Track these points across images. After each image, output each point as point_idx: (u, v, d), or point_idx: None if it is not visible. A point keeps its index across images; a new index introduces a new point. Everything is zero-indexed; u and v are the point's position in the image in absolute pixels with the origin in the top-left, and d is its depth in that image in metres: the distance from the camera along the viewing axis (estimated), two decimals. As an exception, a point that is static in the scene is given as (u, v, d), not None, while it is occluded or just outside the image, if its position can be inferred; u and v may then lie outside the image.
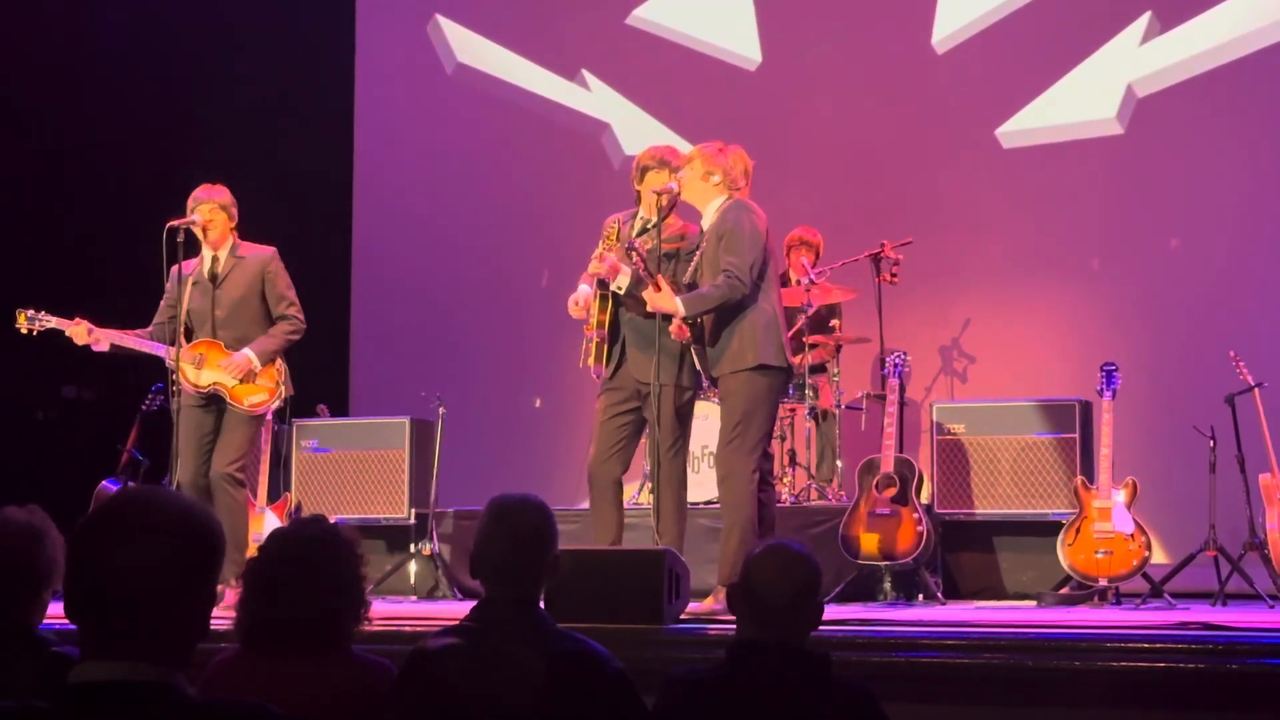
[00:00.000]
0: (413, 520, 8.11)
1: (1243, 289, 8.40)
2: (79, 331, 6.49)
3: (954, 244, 8.88)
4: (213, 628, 2.14)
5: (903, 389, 7.41)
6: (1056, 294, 8.82)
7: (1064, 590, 6.72)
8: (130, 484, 7.70)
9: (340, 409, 9.50)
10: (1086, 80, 8.81)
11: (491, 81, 10.08)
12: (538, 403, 9.68)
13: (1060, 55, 8.89)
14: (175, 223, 6.44)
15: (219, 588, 2.18)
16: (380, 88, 10.42)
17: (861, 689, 3.13)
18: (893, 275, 8.03)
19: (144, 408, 8.23)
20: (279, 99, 9.97)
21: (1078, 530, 6.54)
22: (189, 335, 6.54)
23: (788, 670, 3.07)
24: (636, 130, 9.36)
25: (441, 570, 7.73)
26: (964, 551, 7.44)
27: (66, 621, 2.07)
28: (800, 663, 3.09)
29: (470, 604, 3.27)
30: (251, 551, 5.03)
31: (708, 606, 5.64)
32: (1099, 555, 6.45)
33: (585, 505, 6.54)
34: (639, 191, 6.15)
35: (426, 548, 7.77)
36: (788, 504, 7.49)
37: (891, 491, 6.93)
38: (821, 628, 3.30)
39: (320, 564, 3.04)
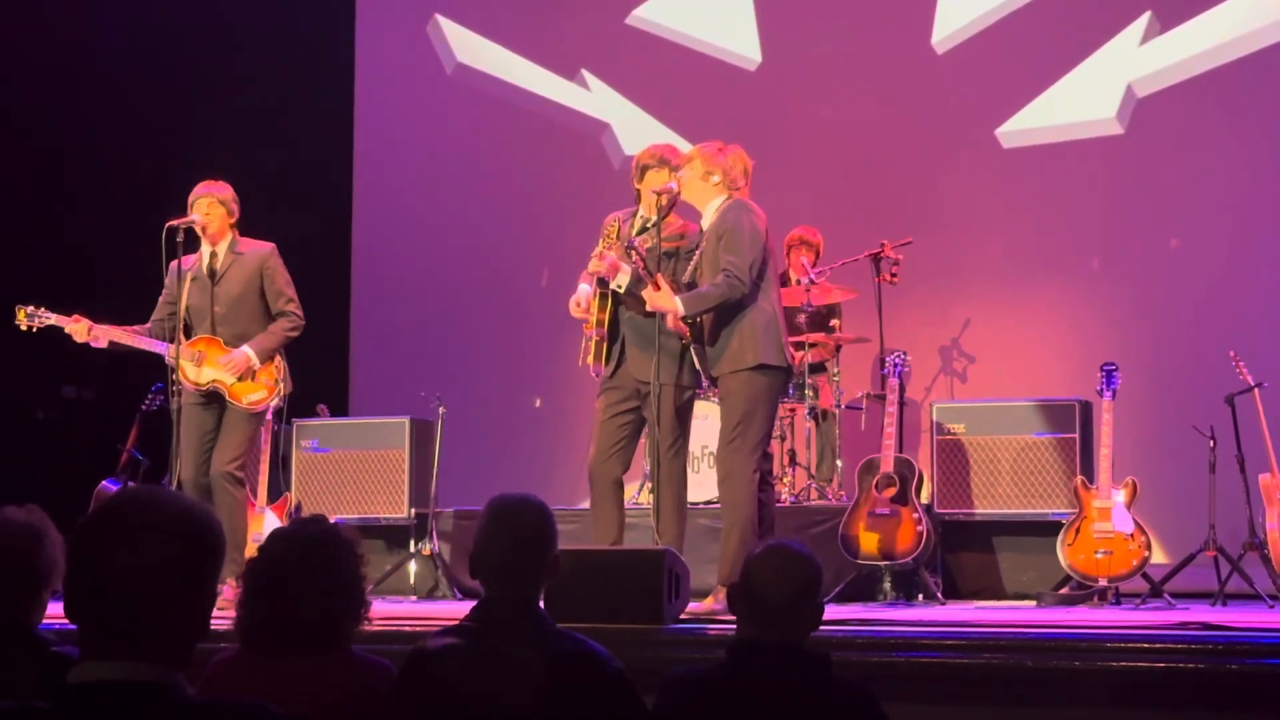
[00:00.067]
0: (413, 520, 8.11)
1: (1243, 289, 8.40)
2: (78, 329, 6.49)
3: (954, 244, 8.88)
4: (213, 628, 2.14)
5: (903, 389, 7.41)
6: (1056, 294, 8.82)
7: (1064, 590, 6.72)
8: (130, 484, 7.70)
9: (340, 409, 9.50)
10: (1086, 80, 8.81)
11: (491, 81, 10.08)
12: (537, 402, 9.68)
13: (1060, 55, 8.89)
14: (175, 222, 6.44)
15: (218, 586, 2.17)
16: (380, 88, 10.42)
17: (861, 689, 3.13)
18: (893, 275, 8.03)
19: (144, 407, 8.23)
20: (279, 99, 9.97)
21: (1077, 530, 6.54)
22: (188, 332, 6.53)
23: (788, 670, 3.07)
24: (636, 130, 9.36)
25: (441, 570, 7.72)
26: (964, 551, 7.44)
27: (66, 621, 2.07)
28: (800, 663, 3.09)
29: (470, 604, 3.27)
30: (251, 551, 5.03)
31: (708, 606, 5.64)
32: (1099, 555, 6.45)
33: (585, 505, 6.54)
34: (639, 190, 6.15)
35: (426, 547, 7.77)
36: (788, 504, 7.49)
37: (891, 491, 6.93)
38: (821, 628, 3.30)
39: (320, 564, 3.04)
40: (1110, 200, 8.78)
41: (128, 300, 6.99)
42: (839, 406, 7.98)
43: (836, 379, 8.09)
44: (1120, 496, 6.53)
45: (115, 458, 8.25)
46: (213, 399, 6.49)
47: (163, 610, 2.02)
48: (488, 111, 10.06)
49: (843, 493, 7.75)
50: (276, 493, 7.86)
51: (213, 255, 6.56)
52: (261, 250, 6.60)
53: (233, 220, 6.57)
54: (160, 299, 6.64)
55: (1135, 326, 8.52)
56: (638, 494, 7.72)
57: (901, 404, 7.32)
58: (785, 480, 7.77)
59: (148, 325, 6.62)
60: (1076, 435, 7.27)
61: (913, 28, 9.18)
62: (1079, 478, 6.80)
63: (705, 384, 6.14)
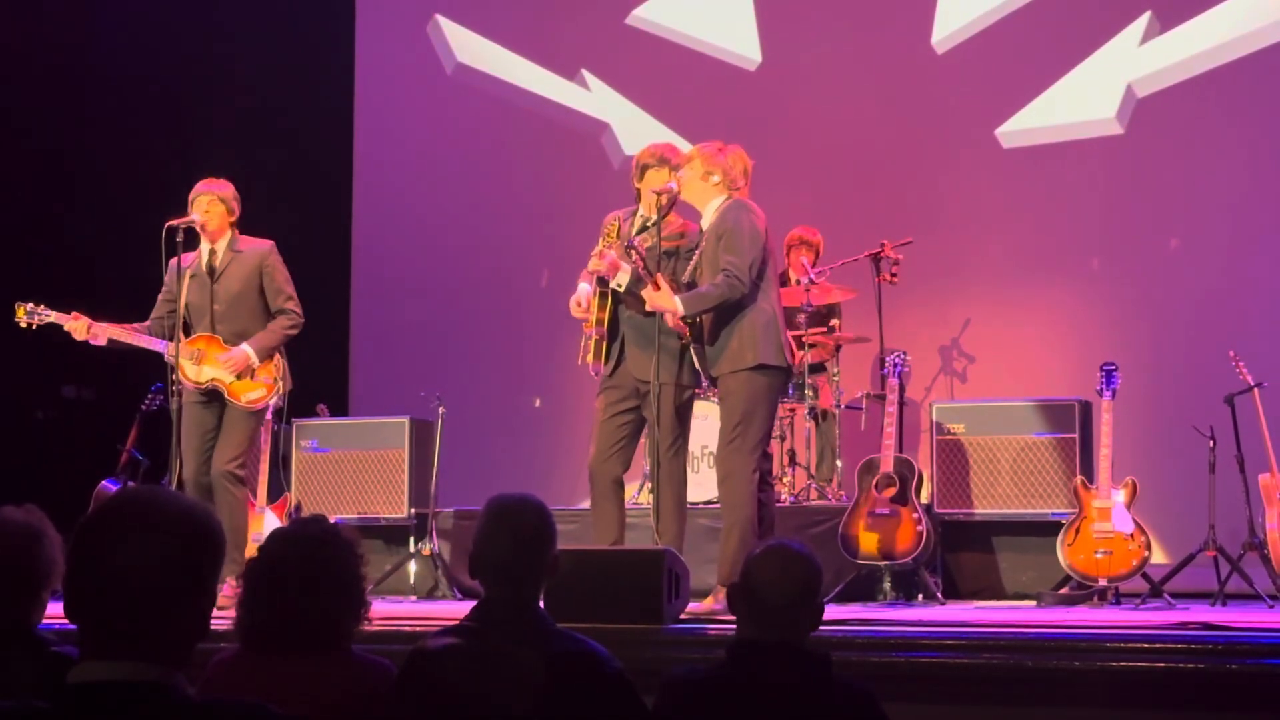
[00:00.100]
0: (412, 520, 8.12)
1: (1243, 289, 8.40)
2: (78, 326, 6.48)
3: (954, 244, 8.88)
4: (213, 628, 2.14)
5: (902, 389, 7.41)
6: (1056, 294, 8.82)
7: (1063, 590, 6.72)
8: (130, 484, 7.70)
9: (340, 409, 9.50)
10: (1086, 80, 8.81)
11: (491, 81, 10.08)
12: (537, 402, 9.68)
13: (1060, 55, 8.89)
14: (175, 222, 6.43)
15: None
16: (380, 88, 10.42)
17: (861, 689, 3.13)
18: (893, 275, 8.03)
19: (143, 407, 8.23)
20: (279, 99, 9.97)
21: (1077, 530, 6.54)
22: (187, 330, 6.52)
23: (788, 670, 3.07)
24: (636, 130, 9.36)
25: (441, 570, 7.72)
26: (963, 551, 7.45)
27: (66, 621, 2.07)
28: (800, 663, 3.09)
29: (470, 604, 3.27)
30: (251, 551, 5.03)
31: (708, 606, 5.64)
32: (1098, 555, 6.45)
33: (585, 505, 6.54)
34: (639, 189, 6.15)
35: (426, 547, 7.76)
36: (788, 504, 7.49)
37: (891, 491, 6.93)
38: (821, 628, 3.30)
39: (320, 564, 3.04)
40: (1110, 200, 8.78)
41: (128, 300, 6.99)
42: (839, 406, 7.98)
43: (836, 379, 8.09)
44: (1120, 496, 6.53)
45: (115, 458, 8.25)
46: (213, 398, 6.48)
47: (163, 610, 2.02)
48: (488, 111, 10.06)
49: (842, 493, 7.75)
50: (276, 493, 7.86)
51: (211, 253, 6.56)
52: (260, 248, 6.60)
53: (233, 219, 6.56)
54: (160, 297, 6.63)
55: (1135, 326, 8.52)
56: (638, 494, 7.71)
57: (901, 404, 7.32)
58: (785, 480, 7.77)
59: (147, 323, 6.62)
60: (1076, 435, 7.28)
61: (913, 28, 9.18)
62: (1079, 478, 6.80)
63: (705, 384, 6.14)
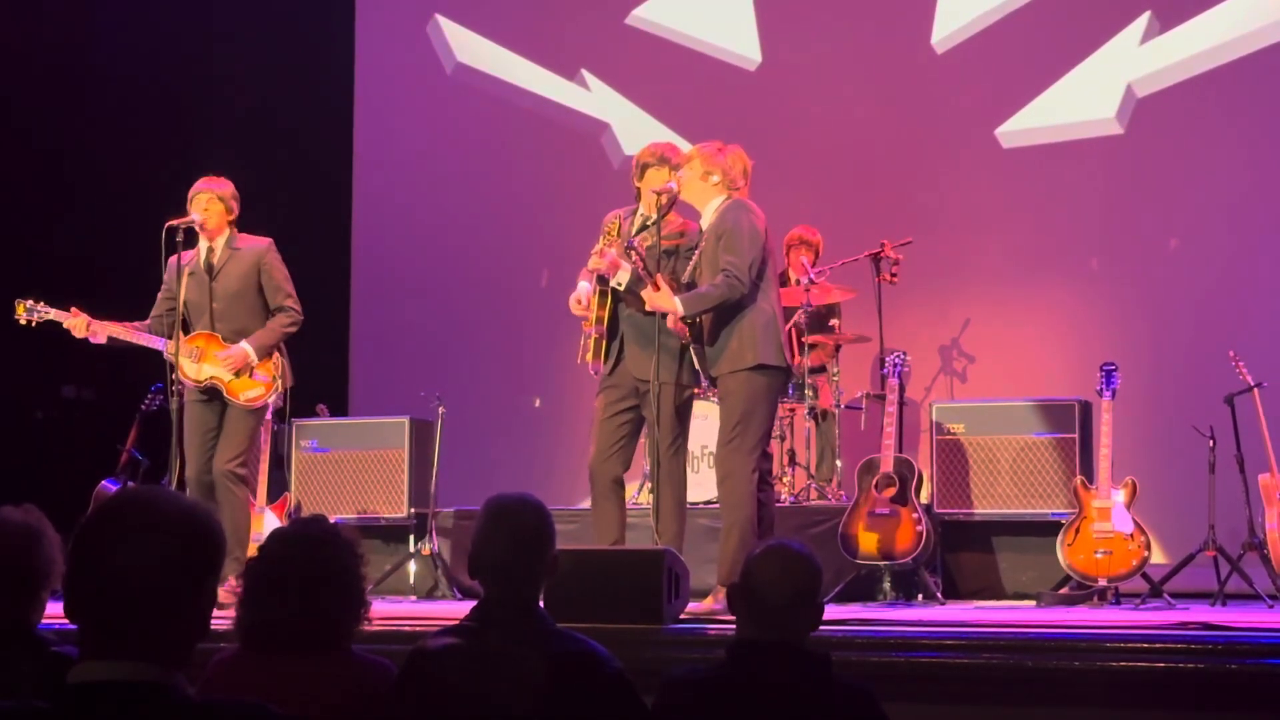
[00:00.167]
0: (412, 520, 8.12)
1: (1243, 289, 8.40)
2: (77, 323, 6.47)
3: (954, 244, 8.88)
4: (213, 628, 2.14)
5: (902, 389, 7.41)
6: (1056, 294, 8.82)
7: (1063, 590, 6.72)
8: (130, 484, 7.70)
9: (340, 408, 9.50)
10: (1086, 80, 8.81)
11: (491, 81, 10.08)
12: (537, 402, 9.68)
13: (1060, 55, 8.89)
14: (175, 222, 6.43)
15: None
16: (380, 88, 10.42)
17: (861, 689, 3.13)
18: (893, 275, 8.03)
19: (143, 407, 8.23)
20: (279, 99, 9.97)
21: (1077, 530, 6.54)
22: (186, 328, 6.51)
23: (788, 670, 3.07)
24: (636, 130, 9.36)
25: (441, 570, 7.72)
26: (963, 551, 7.45)
27: (66, 621, 2.07)
28: (800, 663, 3.09)
29: (470, 604, 3.27)
30: (251, 551, 5.03)
31: (707, 606, 5.63)
32: (1098, 555, 6.45)
33: (585, 505, 6.53)
34: (639, 188, 6.15)
35: (426, 547, 7.76)
36: (787, 504, 7.49)
37: (891, 491, 6.93)
38: (821, 628, 3.30)
39: (320, 564, 3.04)
40: (1110, 200, 8.78)
41: (128, 300, 6.99)
42: (839, 406, 7.98)
43: (836, 379, 8.09)
44: (1120, 496, 6.53)
45: (115, 458, 8.25)
46: (213, 396, 6.48)
47: (163, 610, 2.02)
48: (488, 111, 10.06)
49: (842, 493, 7.75)
50: (276, 492, 7.86)
51: (210, 251, 6.55)
52: (259, 246, 6.59)
53: (231, 217, 6.56)
54: (159, 295, 6.63)
55: (1135, 326, 8.52)
56: (637, 494, 7.71)
57: (901, 404, 7.32)
58: (785, 480, 7.77)
59: (147, 322, 6.62)
60: (1076, 435, 7.28)
61: (913, 28, 9.18)
62: (1078, 478, 6.80)
63: (705, 384, 6.14)
